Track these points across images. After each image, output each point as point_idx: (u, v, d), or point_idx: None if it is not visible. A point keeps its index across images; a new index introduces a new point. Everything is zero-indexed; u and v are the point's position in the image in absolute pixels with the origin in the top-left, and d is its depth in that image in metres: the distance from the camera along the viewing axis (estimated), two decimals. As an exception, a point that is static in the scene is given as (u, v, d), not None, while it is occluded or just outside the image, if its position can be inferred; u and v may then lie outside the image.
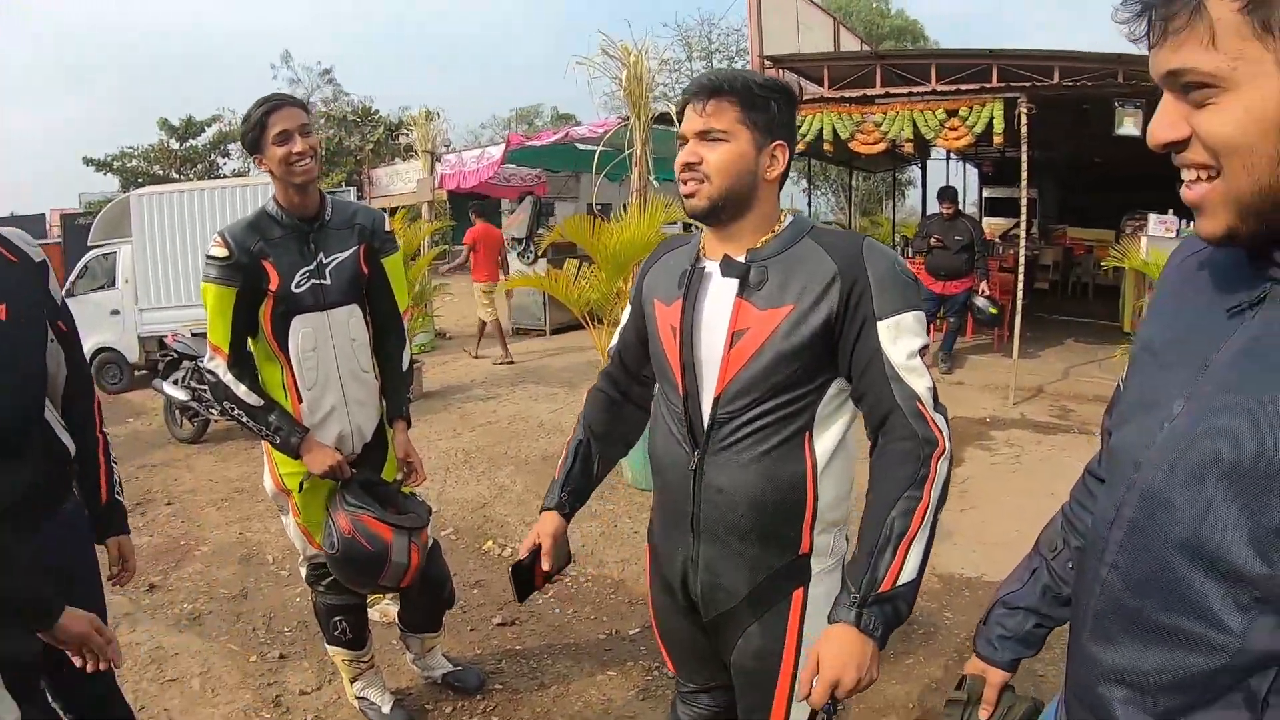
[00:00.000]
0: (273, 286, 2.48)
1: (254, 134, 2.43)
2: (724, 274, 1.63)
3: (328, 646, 2.91)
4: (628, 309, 1.93)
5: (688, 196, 1.62)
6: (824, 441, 1.60)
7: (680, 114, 1.65)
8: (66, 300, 2.05)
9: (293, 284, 2.50)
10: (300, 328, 2.54)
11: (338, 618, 2.78)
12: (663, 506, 1.80)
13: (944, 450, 1.51)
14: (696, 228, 1.71)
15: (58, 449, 1.89)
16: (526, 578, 1.89)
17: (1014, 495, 5.26)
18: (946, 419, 1.56)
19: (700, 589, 1.71)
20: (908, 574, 1.45)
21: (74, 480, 1.99)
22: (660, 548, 1.83)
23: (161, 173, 23.12)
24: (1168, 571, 0.90)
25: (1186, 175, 0.89)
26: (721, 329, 1.61)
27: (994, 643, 1.38)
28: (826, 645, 1.43)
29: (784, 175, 1.67)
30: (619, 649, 3.44)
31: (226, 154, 25.20)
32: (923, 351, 1.56)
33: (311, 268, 2.53)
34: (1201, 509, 0.86)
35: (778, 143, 1.63)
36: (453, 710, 3.01)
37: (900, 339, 1.53)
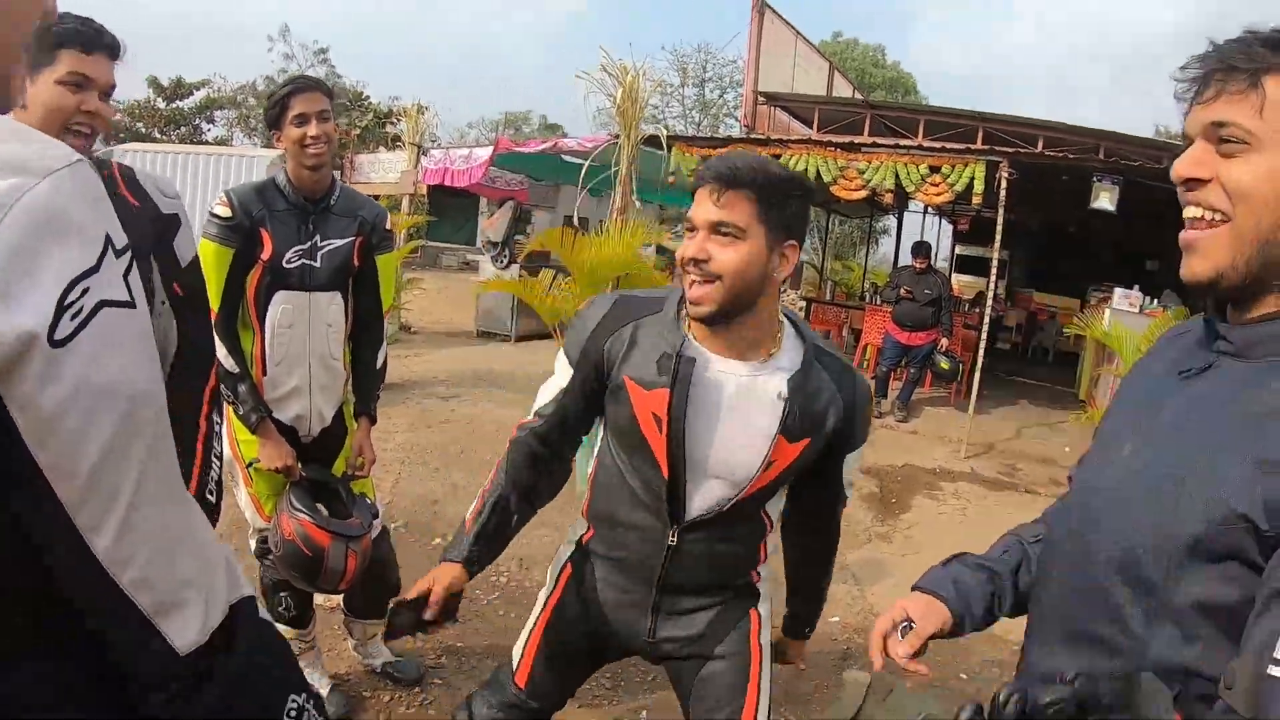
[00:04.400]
0: (265, 256, 2.53)
1: (275, 112, 2.52)
2: (760, 404, 1.62)
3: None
4: (566, 369, 1.76)
5: (695, 302, 1.54)
6: (776, 507, 1.83)
7: (691, 193, 1.58)
8: None
9: (284, 259, 2.55)
10: (281, 303, 2.58)
11: (283, 594, 2.79)
12: (616, 559, 1.81)
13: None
14: (675, 275, 1.75)
15: None
16: (405, 620, 1.71)
17: (956, 545, 5.20)
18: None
19: (655, 631, 1.81)
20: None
21: None
22: (602, 592, 1.84)
23: (144, 130, 22.76)
24: (1096, 582, 1.06)
25: (1191, 215, 1.03)
26: (745, 447, 1.63)
27: (943, 582, 1.34)
28: (792, 650, 2.08)
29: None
30: (558, 655, 3.45)
31: (211, 120, 24.91)
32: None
33: (305, 247, 2.59)
34: (1128, 528, 1.03)
35: (791, 242, 1.57)
36: (390, 700, 3.02)
37: (858, 462, 1.81)
